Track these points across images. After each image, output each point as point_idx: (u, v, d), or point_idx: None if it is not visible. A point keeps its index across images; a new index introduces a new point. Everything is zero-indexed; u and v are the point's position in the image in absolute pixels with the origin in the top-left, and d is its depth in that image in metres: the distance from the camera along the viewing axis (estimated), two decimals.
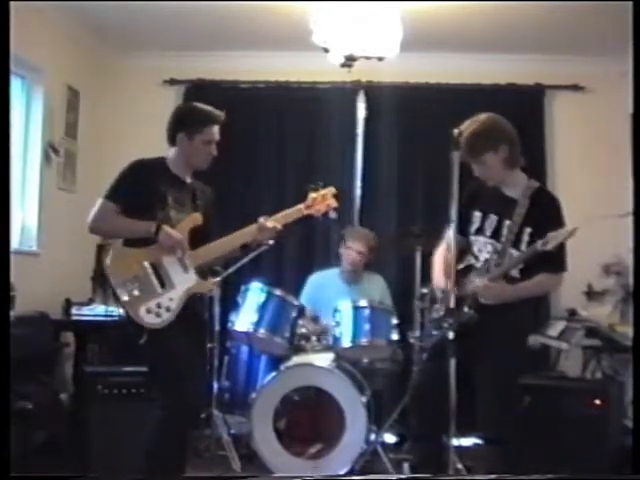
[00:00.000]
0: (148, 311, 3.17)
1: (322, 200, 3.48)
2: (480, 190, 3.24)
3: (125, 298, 3.18)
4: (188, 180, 3.43)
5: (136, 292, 3.18)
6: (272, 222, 3.38)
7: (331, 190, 3.51)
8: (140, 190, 3.24)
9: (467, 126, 3.11)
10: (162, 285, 3.23)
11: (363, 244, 4.77)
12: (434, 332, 3.29)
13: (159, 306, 3.19)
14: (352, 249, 4.77)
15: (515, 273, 3.14)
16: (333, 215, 3.51)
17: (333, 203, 3.50)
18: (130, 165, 3.31)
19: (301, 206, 3.47)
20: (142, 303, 3.18)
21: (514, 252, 3.11)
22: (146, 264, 3.23)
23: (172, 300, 3.22)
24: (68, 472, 3.66)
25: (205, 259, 3.37)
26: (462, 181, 2.97)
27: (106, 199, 3.26)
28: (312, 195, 3.48)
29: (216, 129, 3.36)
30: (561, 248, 3.06)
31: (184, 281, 3.28)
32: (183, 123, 3.36)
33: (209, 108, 3.39)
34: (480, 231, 3.22)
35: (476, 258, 3.24)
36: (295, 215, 3.46)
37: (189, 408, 3.24)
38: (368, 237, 4.82)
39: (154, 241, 3.22)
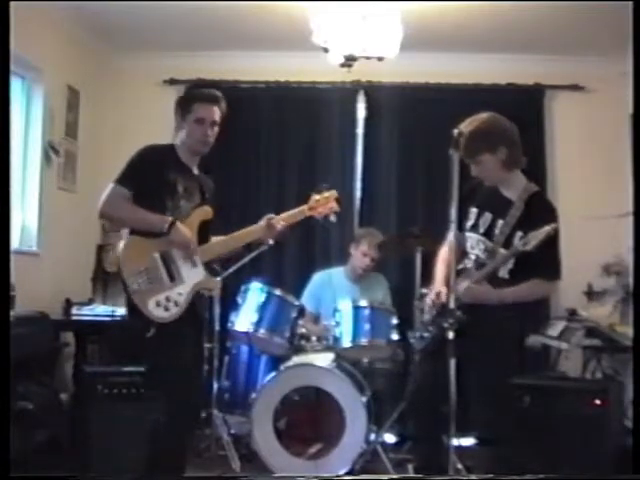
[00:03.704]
0: (157, 304, 3.10)
1: (325, 202, 3.54)
2: (480, 187, 3.23)
3: (135, 288, 3.09)
4: (195, 171, 3.38)
5: (146, 284, 3.10)
6: (279, 222, 3.41)
7: (334, 193, 3.57)
8: (151, 177, 3.17)
9: (467, 125, 3.08)
10: (171, 278, 3.17)
11: (378, 250, 4.77)
12: (425, 334, 3.28)
13: (168, 300, 3.12)
14: (368, 256, 4.76)
15: (505, 275, 3.11)
16: (333, 218, 3.58)
17: (335, 207, 3.56)
18: (142, 150, 3.25)
19: (304, 207, 3.52)
20: (152, 295, 3.10)
21: (504, 252, 3.09)
22: (156, 256, 3.16)
23: (181, 295, 3.17)
24: (68, 472, 3.66)
25: (214, 255, 3.36)
26: (462, 180, 2.97)
27: (117, 183, 3.17)
28: (316, 197, 3.54)
29: (209, 107, 3.27)
30: (555, 254, 3.04)
31: (193, 276, 3.23)
32: (177, 105, 3.37)
33: (204, 89, 3.37)
34: (474, 228, 3.21)
35: (468, 255, 3.23)
36: (299, 216, 3.51)
37: (191, 411, 3.22)
38: (381, 240, 4.80)
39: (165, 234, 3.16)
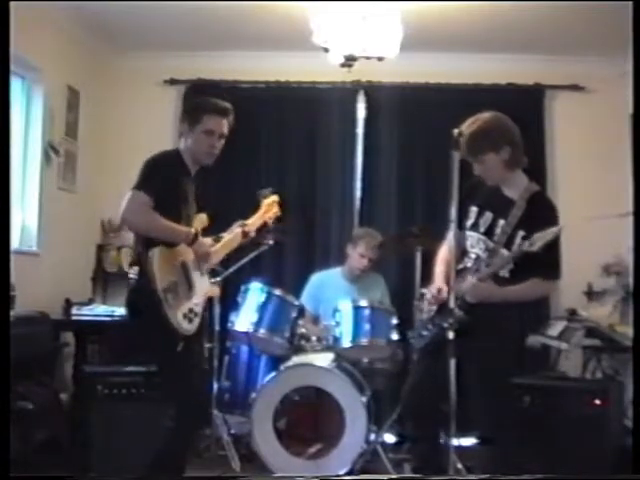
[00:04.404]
0: (184, 316, 3.04)
1: (270, 209, 3.64)
2: (480, 185, 3.22)
3: (171, 303, 2.97)
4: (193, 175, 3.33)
5: (175, 296, 3.02)
6: (251, 227, 3.51)
7: (276, 198, 3.67)
8: (168, 184, 3.09)
9: (470, 124, 3.08)
10: (190, 289, 3.13)
11: (375, 251, 4.76)
12: (424, 333, 3.28)
13: (191, 311, 3.09)
14: (366, 257, 4.75)
15: (505, 274, 3.11)
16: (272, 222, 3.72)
17: (278, 211, 3.66)
18: (157, 156, 3.17)
19: (262, 212, 3.61)
20: (179, 308, 3.03)
21: (505, 253, 3.09)
22: (178, 266, 3.10)
23: (197, 305, 3.14)
24: (68, 472, 3.66)
25: (214, 262, 3.36)
26: (463, 179, 2.97)
27: (138, 190, 3.01)
28: (266, 202, 3.63)
29: (219, 120, 3.23)
30: (555, 255, 3.04)
31: (203, 284, 3.24)
32: (185, 113, 3.37)
33: (214, 99, 3.31)
34: (474, 227, 3.20)
35: (468, 254, 3.22)
36: (260, 221, 3.59)
37: (197, 413, 3.21)
38: (378, 241, 4.79)
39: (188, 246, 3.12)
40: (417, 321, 3.39)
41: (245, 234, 3.46)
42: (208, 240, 3.33)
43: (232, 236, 3.44)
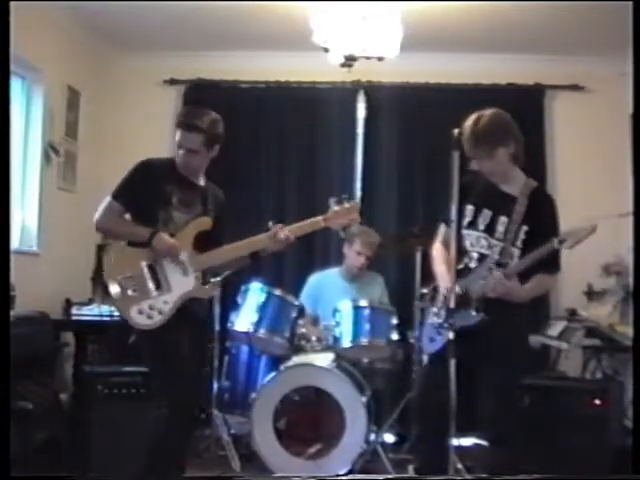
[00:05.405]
0: (140, 312, 3.16)
1: (346, 214, 3.35)
2: (473, 184, 3.18)
3: (116, 295, 3.18)
4: (201, 183, 3.39)
5: (130, 291, 3.18)
6: (286, 232, 3.27)
7: (356, 204, 3.39)
8: (144, 190, 3.25)
9: (475, 121, 3.05)
10: (158, 287, 3.21)
11: (372, 249, 4.76)
12: (437, 337, 3.23)
13: (151, 308, 3.18)
14: (363, 254, 4.74)
15: None
16: (342, 235, 3.53)
17: (357, 218, 3.40)
18: (137, 165, 3.32)
19: (320, 218, 3.34)
20: (134, 303, 3.17)
21: (513, 249, 3.09)
22: (143, 264, 3.22)
23: (166, 303, 3.20)
24: (68, 472, 3.67)
25: (209, 265, 3.33)
26: (461, 178, 2.97)
27: (112, 198, 3.30)
28: (335, 208, 3.34)
29: (185, 135, 3.23)
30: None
31: (182, 285, 3.25)
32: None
33: (188, 112, 3.40)
34: (472, 225, 3.17)
35: (468, 253, 3.20)
36: (313, 227, 3.34)
37: (187, 408, 3.22)
38: (376, 240, 4.79)
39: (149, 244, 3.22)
40: (430, 324, 3.31)
41: (278, 239, 3.26)
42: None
43: (253, 239, 3.31)
